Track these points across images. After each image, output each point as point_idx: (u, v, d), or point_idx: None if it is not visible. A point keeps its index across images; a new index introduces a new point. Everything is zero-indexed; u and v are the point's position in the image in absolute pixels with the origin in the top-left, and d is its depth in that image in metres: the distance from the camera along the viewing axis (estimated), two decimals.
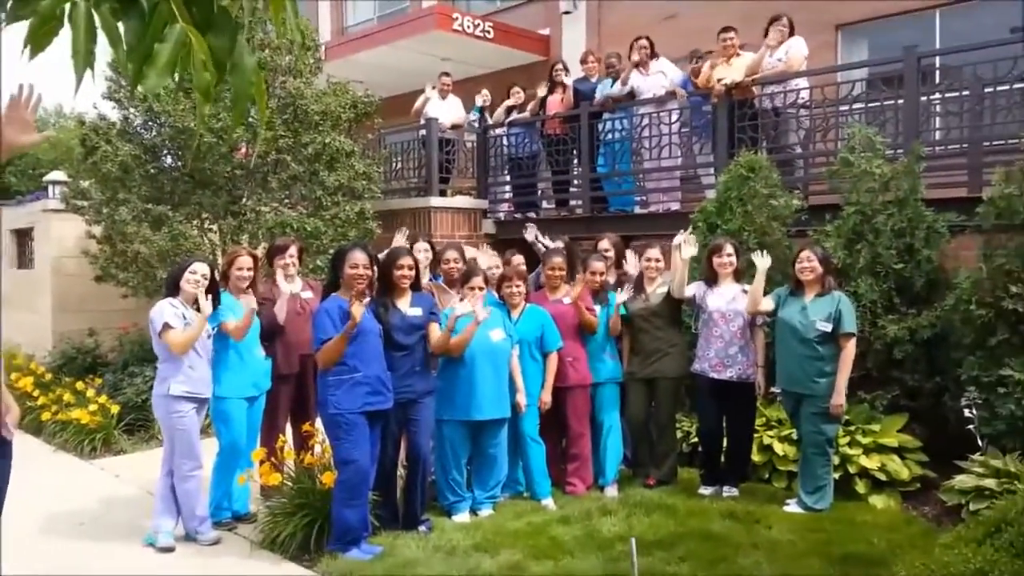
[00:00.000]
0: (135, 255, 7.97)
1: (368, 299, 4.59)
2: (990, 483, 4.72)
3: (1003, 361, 5.08)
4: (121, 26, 1.49)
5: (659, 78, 8.50)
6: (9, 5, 1.42)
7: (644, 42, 8.56)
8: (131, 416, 7.47)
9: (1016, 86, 6.23)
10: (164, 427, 4.95)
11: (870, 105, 7.16)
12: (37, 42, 1.45)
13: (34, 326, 10.19)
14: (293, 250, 5.58)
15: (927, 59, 7.14)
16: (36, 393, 8.11)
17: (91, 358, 9.26)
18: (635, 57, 8.58)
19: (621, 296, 5.65)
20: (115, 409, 7.27)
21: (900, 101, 6.81)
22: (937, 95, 6.97)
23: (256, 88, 1.69)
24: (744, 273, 5.59)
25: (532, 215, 9.70)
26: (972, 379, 5.23)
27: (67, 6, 1.44)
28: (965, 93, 6.61)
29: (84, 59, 1.44)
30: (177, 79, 1.59)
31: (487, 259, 6.29)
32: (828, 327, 4.98)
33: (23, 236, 11.21)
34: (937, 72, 7.59)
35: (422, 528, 4.92)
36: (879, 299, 5.67)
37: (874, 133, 6.08)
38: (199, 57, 1.54)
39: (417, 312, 4.89)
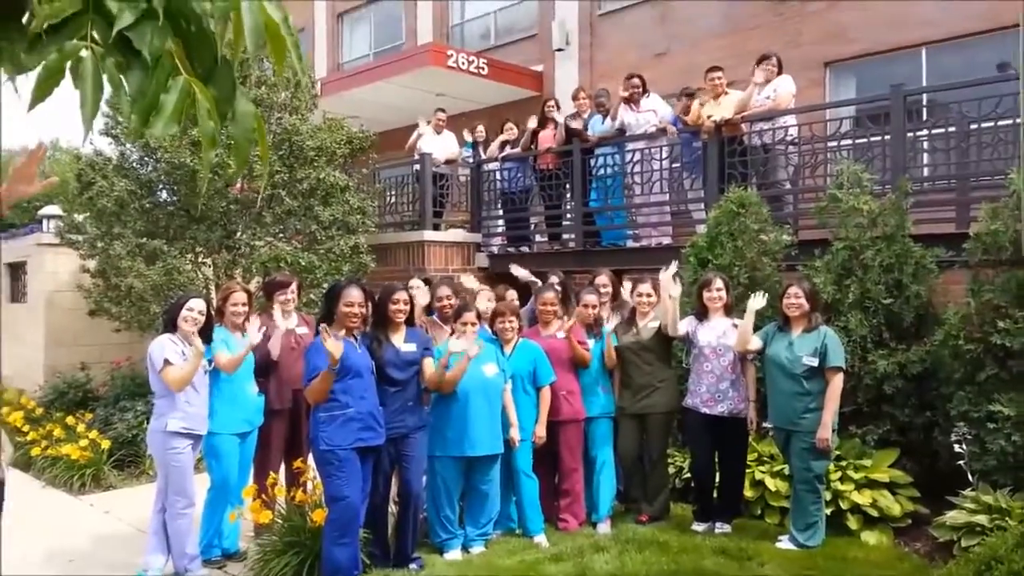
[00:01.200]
0: (129, 289, 7.99)
1: (342, 333, 4.59)
2: (981, 519, 4.73)
3: (992, 396, 5.11)
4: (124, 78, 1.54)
5: (650, 116, 8.61)
6: (17, 55, 1.46)
7: (636, 80, 8.69)
8: (121, 451, 7.44)
9: (1001, 123, 6.33)
10: (159, 463, 4.93)
11: (858, 142, 7.27)
12: (40, 93, 1.49)
13: (25, 360, 10.16)
14: (294, 287, 5.61)
15: (914, 96, 7.26)
16: (26, 428, 8.08)
17: (82, 392, 9.22)
18: (623, 93, 8.70)
19: (610, 323, 5.67)
20: (106, 444, 7.25)
21: (887, 138, 6.92)
22: (924, 132, 7.08)
23: (258, 133, 1.73)
24: (734, 308, 5.63)
25: (525, 249, 9.76)
26: (962, 414, 5.25)
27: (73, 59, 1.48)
28: (951, 130, 6.72)
29: (91, 110, 1.49)
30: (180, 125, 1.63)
31: (472, 283, 6.37)
32: (815, 362, 5.01)
33: (16, 270, 11.22)
34: (924, 109, 7.71)
35: (413, 566, 4.89)
36: (869, 334, 5.71)
37: (862, 169, 6.16)
38: (204, 106, 1.58)
39: (411, 348, 4.91)
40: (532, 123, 9.66)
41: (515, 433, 5.33)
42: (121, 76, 1.53)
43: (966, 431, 5.21)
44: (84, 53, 1.47)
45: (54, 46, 1.43)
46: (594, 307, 5.84)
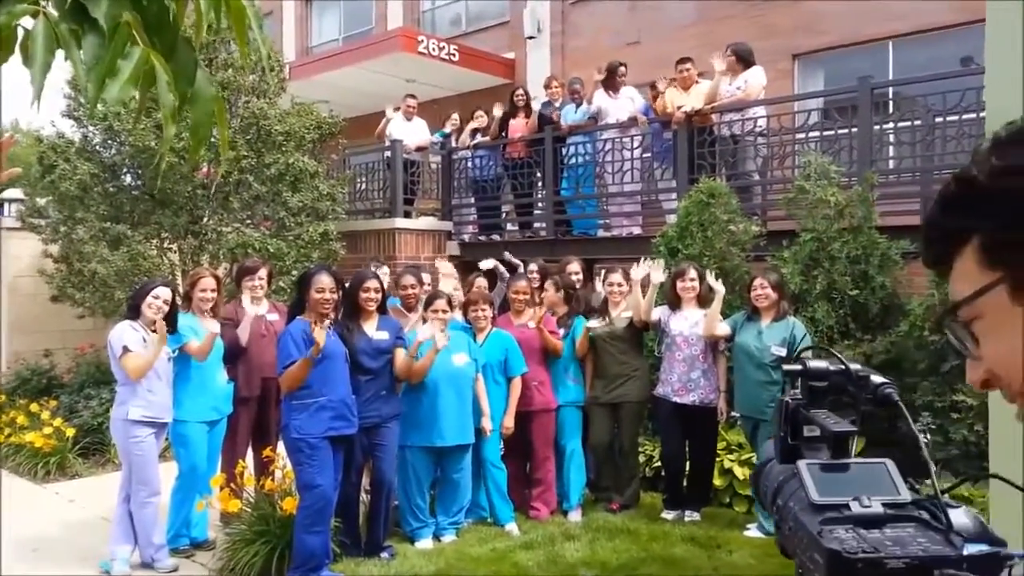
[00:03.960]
0: (92, 275, 7.83)
1: (330, 323, 4.57)
2: None
3: (956, 386, 5.22)
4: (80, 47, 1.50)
5: (627, 103, 8.62)
6: None
7: (619, 66, 8.68)
8: (87, 439, 7.33)
9: (965, 116, 6.44)
10: (122, 452, 4.87)
11: (825, 133, 7.35)
12: None
13: None
14: (263, 272, 5.55)
15: (880, 89, 7.36)
16: None
17: (46, 379, 9.05)
18: (598, 77, 8.70)
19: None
20: (70, 432, 7.13)
21: (854, 130, 7.00)
22: (890, 124, 7.18)
23: (218, 117, 1.70)
24: (707, 299, 5.68)
25: (496, 237, 9.75)
26: (926, 404, 5.36)
27: (25, 22, 1.43)
28: (917, 123, 6.82)
29: (42, 70, 1.43)
30: (139, 97, 1.59)
31: (447, 267, 6.38)
32: (783, 351, 5.08)
33: None
34: (890, 102, 7.82)
35: (384, 555, 4.89)
36: (835, 325, 5.80)
37: (829, 161, 6.24)
38: (163, 78, 1.55)
39: (384, 336, 4.89)
40: (498, 111, 9.62)
41: (487, 423, 5.34)
42: (76, 44, 1.49)
43: (929, 421, 5.32)
44: (33, 19, 1.42)
45: (3, 9, 1.39)
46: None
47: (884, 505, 1.25)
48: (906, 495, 1.28)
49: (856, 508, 1.24)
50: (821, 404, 1.52)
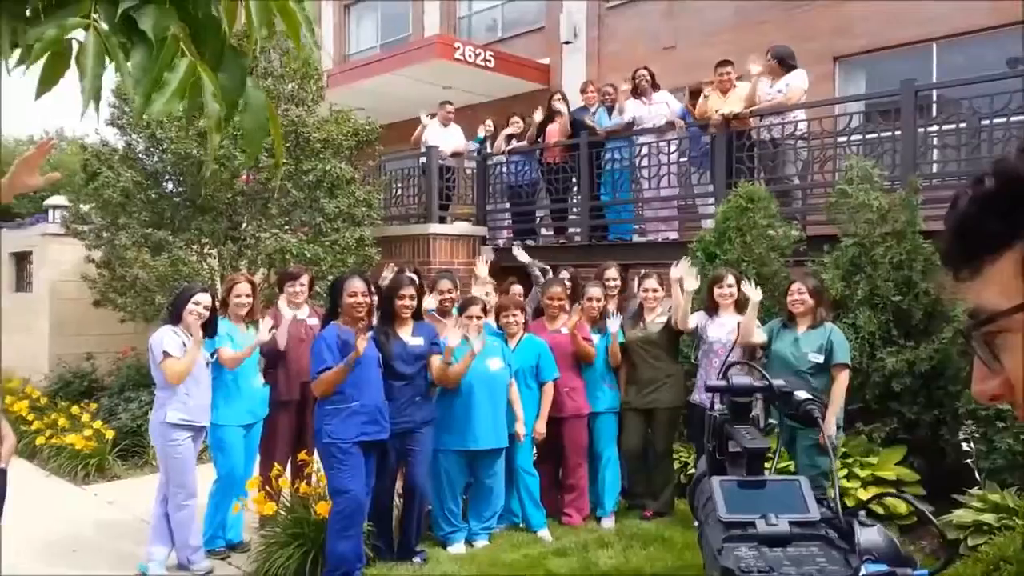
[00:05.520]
0: (134, 280, 7.98)
1: (370, 330, 4.59)
2: (988, 518, 4.69)
3: None
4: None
5: (661, 108, 8.56)
6: (21, 39, 1.43)
7: (644, 72, 8.63)
8: (126, 441, 7.44)
9: (1013, 119, 6.27)
10: (160, 454, 4.93)
11: (868, 137, 7.21)
12: (46, 81, 1.47)
13: (30, 349, 10.17)
14: (304, 279, 5.61)
15: (924, 92, 7.20)
16: (31, 417, 8.08)
17: (87, 382, 9.25)
18: (624, 87, 8.65)
19: (614, 323, 5.61)
20: (110, 434, 7.24)
21: (897, 133, 6.86)
22: (934, 127, 7.03)
23: (271, 124, 1.70)
24: (744, 304, 5.59)
25: (530, 243, 9.73)
26: (970, 412, 5.21)
27: (76, 36, 1.45)
28: (962, 126, 6.67)
29: (93, 82, 1.45)
30: (185, 108, 1.60)
31: (483, 270, 6.38)
32: (820, 359, 4.96)
33: (22, 259, 11.22)
34: (934, 105, 7.66)
35: (417, 559, 4.88)
36: (877, 331, 5.67)
37: (871, 165, 6.11)
38: (209, 88, 1.56)
39: (419, 342, 4.90)
40: (538, 116, 9.61)
41: (520, 428, 5.31)
42: (124, 56, 1.50)
43: (974, 429, 5.17)
44: (84, 32, 1.44)
45: (55, 22, 1.40)
46: (598, 301, 5.80)
47: (792, 523, 1.21)
48: (815, 513, 1.23)
49: (762, 526, 1.20)
50: (745, 419, 1.48)
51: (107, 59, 1.48)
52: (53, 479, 7.08)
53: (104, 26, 1.47)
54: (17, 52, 1.45)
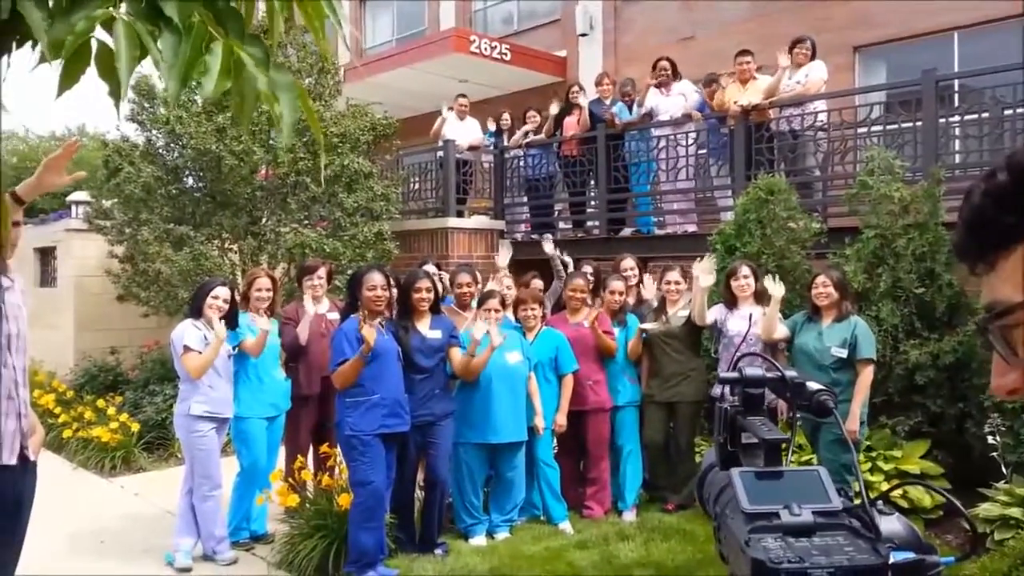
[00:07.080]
0: (156, 274, 8.06)
1: (379, 321, 4.61)
2: (1015, 512, 4.66)
3: None
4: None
5: (679, 99, 8.52)
6: (44, 33, 1.44)
7: (665, 63, 8.59)
8: (151, 434, 7.54)
9: None
10: (185, 447, 4.99)
11: (888, 128, 7.15)
12: (68, 79, 1.48)
13: (56, 344, 10.29)
14: (322, 272, 5.64)
15: (945, 82, 7.13)
16: (57, 411, 8.19)
17: (112, 376, 9.34)
18: (648, 81, 8.62)
19: (646, 324, 5.61)
20: (135, 427, 7.34)
21: (919, 124, 6.79)
22: (956, 118, 6.96)
23: (303, 107, 1.70)
24: (764, 295, 5.56)
25: (549, 236, 9.71)
26: (995, 405, 5.17)
27: (93, 34, 1.47)
28: (984, 116, 6.60)
29: (128, 68, 1.46)
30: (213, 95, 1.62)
31: (504, 261, 6.40)
32: (843, 353, 4.92)
33: (46, 255, 11.34)
34: (956, 95, 7.58)
35: (438, 551, 4.91)
36: (900, 324, 5.63)
37: (893, 156, 6.06)
38: (249, 63, 1.57)
39: (437, 335, 4.92)
40: (554, 108, 9.59)
41: (539, 421, 5.32)
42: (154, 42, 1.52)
43: (1000, 422, 5.13)
44: (105, 28, 1.46)
45: (82, 13, 1.42)
46: (620, 294, 5.81)
47: (815, 513, 1.21)
48: (837, 503, 1.23)
49: (786, 516, 1.20)
50: (758, 411, 1.48)
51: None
52: (80, 471, 7.18)
53: (128, 17, 1.48)
54: (38, 50, 1.46)
